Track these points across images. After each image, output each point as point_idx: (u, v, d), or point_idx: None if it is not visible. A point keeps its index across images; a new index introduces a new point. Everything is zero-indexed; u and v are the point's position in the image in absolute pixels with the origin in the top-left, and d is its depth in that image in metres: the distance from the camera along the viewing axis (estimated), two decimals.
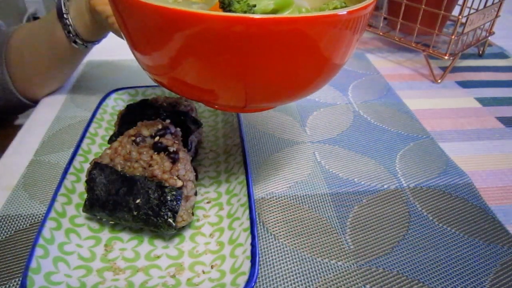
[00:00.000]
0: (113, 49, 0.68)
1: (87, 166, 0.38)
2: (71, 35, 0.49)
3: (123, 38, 0.44)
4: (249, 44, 0.26)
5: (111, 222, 0.36)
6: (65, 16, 0.48)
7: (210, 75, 0.29)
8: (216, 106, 0.35)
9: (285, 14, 0.30)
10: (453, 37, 0.62)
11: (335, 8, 0.32)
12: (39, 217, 0.37)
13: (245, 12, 0.29)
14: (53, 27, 0.49)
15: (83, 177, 0.38)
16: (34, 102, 0.56)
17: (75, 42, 0.50)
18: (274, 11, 0.31)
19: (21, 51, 0.52)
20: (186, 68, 0.29)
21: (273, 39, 0.26)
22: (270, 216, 0.38)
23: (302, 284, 0.32)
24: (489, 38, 0.72)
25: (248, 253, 0.31)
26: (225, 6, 0.29)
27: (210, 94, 0.31)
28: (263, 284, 0.32)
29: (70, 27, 0.48)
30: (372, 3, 0.29)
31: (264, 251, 0.35)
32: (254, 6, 0.30)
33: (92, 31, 0.49)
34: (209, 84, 0.30)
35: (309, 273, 0.33)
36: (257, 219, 0.38)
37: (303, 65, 0.29)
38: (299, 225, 0.38)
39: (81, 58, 0.56)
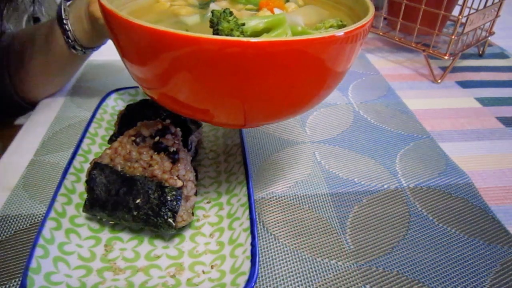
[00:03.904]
0: (113, 49, 0.68)
1: (87, 166, 0.38)
2: (70, 40, 0.49)
3: None
4: (244, 66, 0.25)
5: (111, 222, 0.36)
6: (64, 21, 0.48)
7: (203, 95, 0.28)
8: (214, 123, 0.34)
9: (276, 33, 0.29)
10: (453, 37, 0.62)
11: (331, 27, 0.31)
12: (39, 217, 0.37)
13: (231, 30, 0.28)
14: (53, 33, 0.49)
15: (83, 177, 0.38)
16: (32, 105, 0.56)
17: (74, 48, 0.50)
18: (265, 30, 0.30)
19: (22, 55, 0.52)
20: (177, 88, 0.28)
21: (268, 61, 0.25)
22: (270, 216, 0.38)
23: (302, 284, 0.32)
24: (489, 38, 0.72)
25: (248, 253, 0.31)
26: (213, 25, 0.28)
27: (204, 113, 0.31)
28: (263, 284, 0.32)
29: (69, 32, 0.48)
30: (369, 21, 0.29)
31: (264, 251, 0.35)
32: (243, 24, 0.29)
33: (91, 38, 0.49)
34: (203, 104, 0.29)
35: (309, 273, 0.33)
36: (257, 219, 0.38)
37: (302, 84, 0.29)
38: (299, 225, 0.38)
39: (80, 64, 0.56)
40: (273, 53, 0.25)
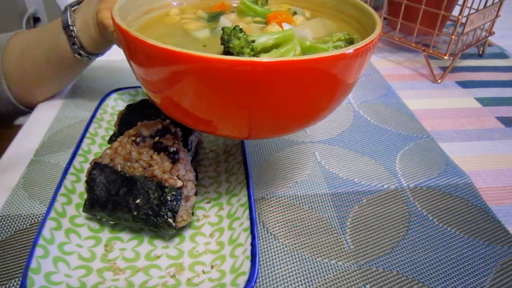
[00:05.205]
0: (113, 49, 0.68)
1: (87, 166, 0.38)
2: (75, 46, 0.48)
3: None
4: (255, 83, 0.25)
5: (111, 222, 0.36)
6: (70, 27, 0.47)
7: (210, 110, 0.28)
8: (218, 134, 0.34)
9: (286, 48, 0.30)
10: (453, 37, 0.62)
11: (339, 40, 0.31)
12: (39, 217, 0.37)
13: (242, 47, 0.28)
14: (57, 37, 0.49)
15: (83, 177, 0.38)
16: (30, 109, 0.56)
17: (79, 54, 0.49)
18: (274, 46, 0.30)
19: (21, 60, 0.51)
20: (189, 101, 0.28)
21: (280, 79, 0.25)
22: (270, 216, 0.38)
23: (302, 284, 0.32)
24: (489, 38, 0.72)
25: (248, 253, 0.31)
26: (224, 42, 0.29)
27: (210, 125, 0.31)
28: (263, 284, 0.32)
29: (75, 39, 0.48)
30: (377, 37, 0.29)
31: (264, 251, 0.35)
32: (253, 41, 0.29)
33: (98, 44, 0.49)
34: (209, 117, 0.30)
35: (309, 273, 0.33)
36: (257, 219, 0.38)
37: (312, 100, 0.29)
38: (299, 225, 0.38)
39: (83, 68, 0.55)
40: (285, 71, 0.25)
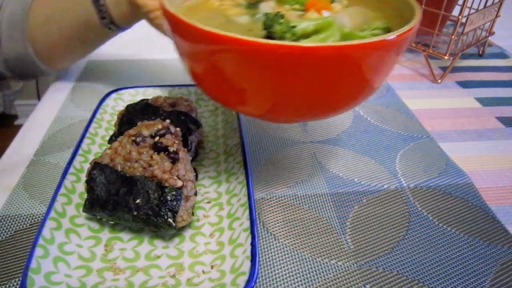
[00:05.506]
0: (113, 49, 0.68)
1: (87, 166, 0.38)
2: (106, 20, 0.49)
3: (164, 34, 0.44)
4: (293, 67, 0.26)
5: (111, 222, 0.36)
6: (101, 2, 0.48)
7: (252, 89, 0.30)
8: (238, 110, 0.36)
9: (325, 34, 0.31)
10: (453, 37, 0.62)
11: (376, 29, 0.32)
12: (39, 217, 0.37)
13: (284, 32, 0.29)
14: (85, 9, 0.49)
15: (83, 177, 0.38)
16: (56, 71, 0.58)
17: (109, 27, 0.50)
18: (314, 32, 0.31)
19: (48, 26, 0.52)
20: (226, 80, 0.30)
21: (317, 65, 0.26)
22: (270, 216, 0.38)
23: (302, 284, 0.32)
24: (489, 38, 0.72)
25: (248, 253, 0.31)
26: (267, 27, 0.30)
27: (246, 103, 0.32)
28: (263, 284, 0.32)
29: (105, 13, 0.48)
30: (417, 24, 0.29)
31: (264, 251, 0.35)
32: (294, 27, 0.30)
33: (128, 19, 0.50)
34: (248, 96, 0.31)
35: (309, 273, 0.33)
36: (257, 219, 0.38)
37: (344, 88, 0.30)
38: (299, 225, 0.38)
39: (110, 38, 0.56)
40: (325, 56, 0.26)
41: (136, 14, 0.48)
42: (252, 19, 0.35)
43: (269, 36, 0.30)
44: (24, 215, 0.37)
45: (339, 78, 0.28)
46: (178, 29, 0.30)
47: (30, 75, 0.58)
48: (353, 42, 0.26)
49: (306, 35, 0.31)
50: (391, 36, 0.27)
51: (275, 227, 0.37)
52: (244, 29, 0.34)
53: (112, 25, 0.50)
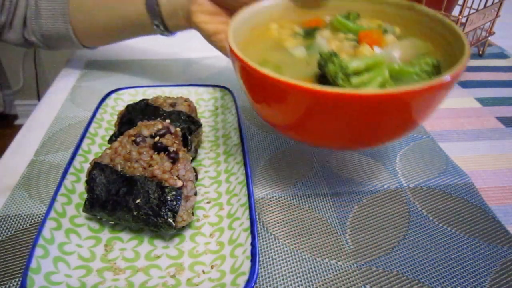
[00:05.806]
0: (113, 49, 0.68)
1: (87, 166, 0.38)
2: (160, 28, 0.50)
3: (227, 56, 0.45)
4: (352, 111, 0.29)
5: (111, 222, 0.36)
6: (156, 8, 0.48)
7: (308, 124, 0.32)
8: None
9: (374, 73, 0.33)
10: None
11: (426, 64, 0.33)
12: (39, 217, 0.37)
13: (336, 72, 0.31)
14: (137, 11, 0.50)
15: (83, 177, 0.38)
16: (92, 48, 0.61)
17: (160, 32, 0.51)
18: (365, 69, 0.33)
19: (94, 16, 0.53)
20: (289, 117, 0.33)
21: (374, 108, 0.29)
22: (270, 216, 0.38)
23: (302, 284, 0.32)
24: (489, 38, 0.72)
25: (248, 253, 0.31)
26: (321, 67, 0.33)
27: (306, 136, 0.35)
28: (263, 284, 0.32)
29: (160, 19, 0.49)
30: (467, 61, 0.31)
31: (264, 251, 0.35)
32: (347, 67, 0.32)
33: (181, 29, 0.51)
34: (305, 130, 0.34)
35: (309, 273, 0.33)
36: (257, 219, 0.38)
37: (395, 125, 0.32)
38: (299, 225, 0.38)
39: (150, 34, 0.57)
40: (377, 101, 0.28)
41: (192, 27, 0.49)
42: (308, 53, 0.38)
43: (322, 75, 0.33)
44: (24, 215, 0.37)
45: (393, 117, 0.31)
46: (244, 72, 0.33)
47: (63, 48, 0.60)
48: (410, 88, 0.27)
49: (357, 73, 0.33)
50: (446, 76, 0.29)
51: (275, 227, 0.37)
52: (302, 63, 0.37)
53: (165, 31, 0.51)
